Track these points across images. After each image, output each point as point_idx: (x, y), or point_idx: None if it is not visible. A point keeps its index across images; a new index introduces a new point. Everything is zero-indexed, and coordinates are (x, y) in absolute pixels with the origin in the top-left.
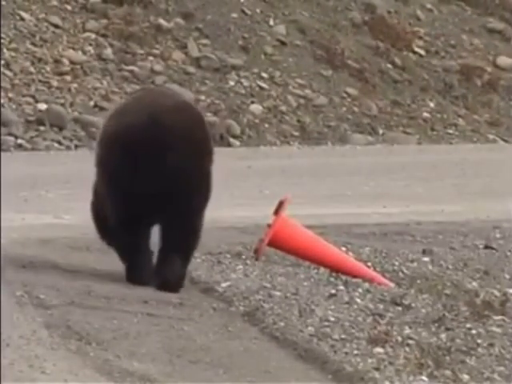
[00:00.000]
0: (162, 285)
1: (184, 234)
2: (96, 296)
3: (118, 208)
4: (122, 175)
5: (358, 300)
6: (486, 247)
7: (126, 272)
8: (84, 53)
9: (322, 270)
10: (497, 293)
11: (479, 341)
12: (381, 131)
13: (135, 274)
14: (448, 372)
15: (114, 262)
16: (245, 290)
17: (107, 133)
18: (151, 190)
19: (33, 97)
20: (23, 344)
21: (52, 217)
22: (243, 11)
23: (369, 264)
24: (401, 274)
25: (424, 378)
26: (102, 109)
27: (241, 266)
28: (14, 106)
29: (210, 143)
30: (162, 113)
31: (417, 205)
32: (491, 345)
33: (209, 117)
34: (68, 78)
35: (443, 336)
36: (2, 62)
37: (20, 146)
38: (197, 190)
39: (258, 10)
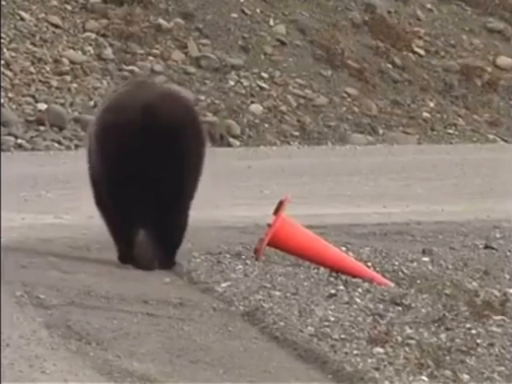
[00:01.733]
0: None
1: (176, 216)
2: (96, 296)
3: (114, 193)
4: (117, 161)
5: (358, 300)
6: (486, 247)
7: (119, 253)
8: (84, 53)
9: (322, 269)
10: (497, 293)
11: (479, 341)
12: (381, 131)
13: (129, 255)
14: (448, 372)
15: (113, 262)
16: (245, 290)
17: (103, 123)
18: (147, 174)
19: (33, 97)
20: (23, 344)
21: (52, 217)
22: (243, 11)
23: (369, 264)
24: (401, 273)
25: (424, 377)
26: None
27: (241, 266)
28: (14, 106)
29: (201, 128)
30: (155, 100)
31: (417, 205)
32: (491, 345)
33: (209, 117)
34: (68, 78)
35: (443, 336)
36: (2, 62)
37: (20, 146)
38: (189, 173)
39: (258, 10)
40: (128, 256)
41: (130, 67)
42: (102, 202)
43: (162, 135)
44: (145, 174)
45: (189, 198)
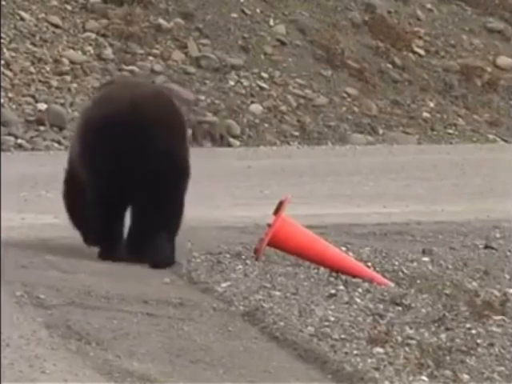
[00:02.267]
0: (157, 264)
1: (170, 213)
2: (96, 296)
3: (100, 191)
4: (105, 158)
5: (358, 300)
6: (486, 247)
7: (101, 249)
8: (84, 53)
9: (321, 269)
10: (497, 293)
11: (479, 341)
12: (381, 131)
13: (111, 251)
14: (448, 372)
15: (114, 263)
16: (245, 290)
17: (91, 120)
18: (134, 172)
19: (33, 97)
20: (23, 344)
21: (52, 217)
22: (243, 11)
23: (369, 264)
24: (401, 273)
25: (424, 377)
26: None
27: (241, 266)
28: (14, 106)
29: (185, 125)
30: (142, 99)
31: (417, 205)
32: (491, 345)
33: (209, 117)
34: (68, 77)
35: (443, 336)
36: (2, 62)
37: (20, 146)
38: (178, 170)
39: (258, 10)
40: (107, 249)
41: (130, 67)
42: (71, 195)
43: (142, 131)
44: (127, 169)
45: (176, 196)
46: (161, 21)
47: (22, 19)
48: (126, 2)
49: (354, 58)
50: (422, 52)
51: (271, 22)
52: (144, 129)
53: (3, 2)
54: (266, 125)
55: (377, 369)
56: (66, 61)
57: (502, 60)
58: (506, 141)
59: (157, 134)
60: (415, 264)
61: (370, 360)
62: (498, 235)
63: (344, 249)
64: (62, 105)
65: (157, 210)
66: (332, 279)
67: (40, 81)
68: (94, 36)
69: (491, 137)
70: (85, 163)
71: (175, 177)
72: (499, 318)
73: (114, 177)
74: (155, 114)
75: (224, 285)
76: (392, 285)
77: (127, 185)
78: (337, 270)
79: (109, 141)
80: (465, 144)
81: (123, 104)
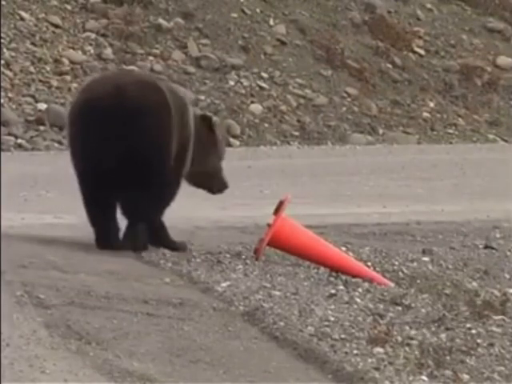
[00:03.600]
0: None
1: (151, 199)
2: (96, 296)
3: (87, 178)
4: (88, 144)
5: (358, 300)
6: (486, 247)
7: (96, 239)
8: (84, 53)
9: (322, 269)
10: (497, 293)
11: (479, 341)
12: (381, 131)
13: (104, 240)
14: (448, 372)
15: (114, 262)
16: (245, 290)
17: (74, 108)
18: (117, 159)
19: (33, 97)
20: (23, 344)
21: (52, 217)
22: (243, 11)
23: (369, 264)
24: (401, 273)
25: (424, 377)
26: None
27: (241, 266)
28: (14, 106)
29: (171, 112)
30: (125, 85)
31: (417, 205)
32: (491, 345)
33: None
34: (68, 77)
35: (443, 336)
36: (2, 61)
37: (20, 146)
38: (161, 157)
39: (258, 10)
40: (105, 240)
41: (130, 67)
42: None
43: (126, 115)
44: (112, 158)
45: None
46: (161, 21)
47: (22, 19)
48: (126, 1)
49: (353, 58)
50: (422, 52)
51: (271, 22)
52: (127, 113)
53: (3, 2)
54: (266, 125)
55: (377, 369)
56: (65, 61)
57: (502, 60)
58: (506, 141)
59: (138, 118)
60: (415, 264)
61: (370, 360)
62: (498, 235)
63: (344, 249)
64: (62, 105)
65: (141, 195)
66: (332, 279)
67: (40, 81)
68: (93, 36)
69: (491, 137)
70: (72, 149)
71: (158, 161)
72: (499, 317)
73: (99, 163)
74: (138, 98)
75: (224, 285)
76: (392, 285)
77: (112, 171)
78: (337, 270)
79: (92, 125)
80: (465, 144)
81: (107, 88)
